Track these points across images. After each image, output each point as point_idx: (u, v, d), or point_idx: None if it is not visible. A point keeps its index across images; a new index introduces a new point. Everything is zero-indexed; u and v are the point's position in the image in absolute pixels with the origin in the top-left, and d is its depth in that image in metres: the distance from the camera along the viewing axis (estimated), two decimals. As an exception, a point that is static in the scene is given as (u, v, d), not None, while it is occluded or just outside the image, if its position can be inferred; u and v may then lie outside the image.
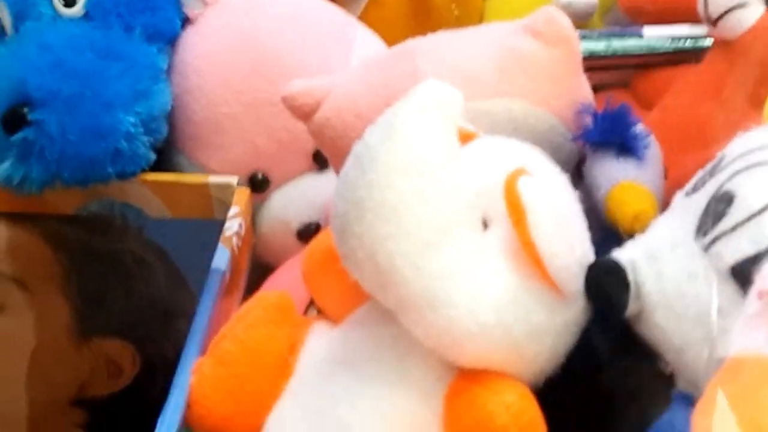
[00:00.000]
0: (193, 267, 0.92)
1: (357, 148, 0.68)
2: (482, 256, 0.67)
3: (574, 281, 0.68)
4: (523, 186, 0.66)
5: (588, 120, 0.85)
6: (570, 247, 0.67)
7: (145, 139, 0.97)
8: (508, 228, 0.67)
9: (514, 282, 0.67)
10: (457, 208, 0.66)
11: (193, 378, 0.75)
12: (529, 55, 0.85)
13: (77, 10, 1.00)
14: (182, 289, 0.97)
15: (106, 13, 1.00)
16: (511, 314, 0.66)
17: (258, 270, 0.99)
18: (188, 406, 0.75)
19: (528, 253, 0.66)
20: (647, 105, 1.07)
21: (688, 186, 0.74)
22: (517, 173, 0.67)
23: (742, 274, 0.64)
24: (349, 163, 0.68)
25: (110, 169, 0.95)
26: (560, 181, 0.73)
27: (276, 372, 0.75)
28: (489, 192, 0.68)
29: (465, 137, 0.72)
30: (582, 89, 0.88)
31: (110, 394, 0.95)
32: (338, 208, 0.68)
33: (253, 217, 1.00)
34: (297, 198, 1.01)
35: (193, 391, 0.75)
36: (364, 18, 1.17)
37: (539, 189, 0.67)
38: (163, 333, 0.91)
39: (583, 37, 1.07)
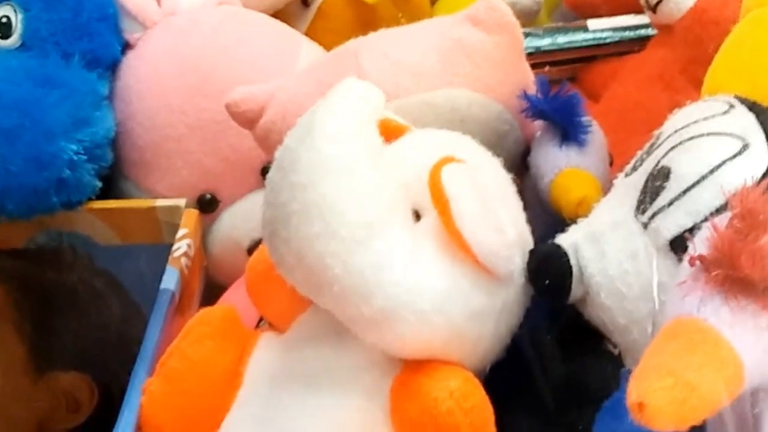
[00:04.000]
0: (146, 292, 0.90)
1: (278, 153, 0.67)
2: (415, 246, 0.66)
3: (506, 264, 0.67)
4: (446, 175, 0.65)
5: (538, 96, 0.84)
6: (498, 231, 0.66)
7: (89, 166, 0.95)
8: (438, 217, 0.66)
9: (449, 268, 0.66)
10: (383, 203, 0.65)
11: (143, 398, 0.74)
12: (472, 44, 0.85)
13: (13, 41, 1.00)
14: (136, 316, 0.96)
15: (43, 42, 0.99)
16: (449, 300, 0.65)
17: (214, 291, 0.98)
18: (139, 427, 0.74)
19: (456, 242, 0.65)
20: (594, 96, 1.07)
21: (628, 167, 0.73)
22: (441, 163, 0.66)
23: (680, 247, 0.63)
24: (273, 168, 0.67)
25: (55, 199, 0.93)
26: (490, 166, 0.73)
27: (224, 385, 0.74)
28: (418, 183, 0.67)
29: (396, 131, 0.72)
30: (526, 76, 0.88)
31: (71, 428, 0.93)
32: (265, 215, 0.67)
33: (205, 237, 0.99)
34: (246, 215, 0.99)
35: (143, 411, 0.74)
36: (311, 32, 1.17)
37: (462, 177, 0.66)
38: (120, 361, 0.89)
39: (529, 34, 1.08)
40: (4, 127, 0.91)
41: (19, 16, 1.00)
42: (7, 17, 1.00)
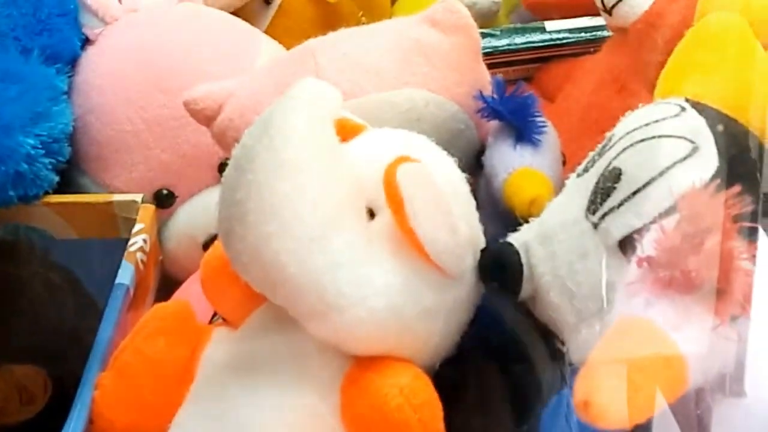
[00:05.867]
0: (101, 287, 0.90)
1: (235, 151, 0.67)
2: (368, 244, 0.66)
3: (459, 262, 0.68)
4: (401, 175, 0.65)
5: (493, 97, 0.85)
6: (452, 230, 0.67)
7: (46, 161, 0.95)
8: (392, 215, 0.67)
9: (402, 266, 0.67)
10: (339, 202, 0.66)
11: (96, 392, 0.75)
12: (430, 45, 0.86)
13: (-29, 36, 1.00)
14: (91, 310, 0.95)
15: (2, 37, 0.99)
16: (401, 297, 0.66)
17: (170, 286, 0.98)
18: (91, 420, 0.74)
19: (409, 240, 0.66)
20: (550, 96, 1.08)
21: (580, 168, 0.74)
22: (397, 162, 0.66)
23: (629, 248, 0.64)
24: (229, 166, 0.67)
25: (12, 193, 0.93)
26: (444, 165, 0.73)
27: (177, 380, 0.74)
28: (372, 182, 0.68)
29: (352, 130, 0.72)
30: (482, 76, 0.89)
31: (24, 420, 0.93)
32: (221, 213, 0.67)
33: (161, 233, 0.99)
34: (202, 211, 0.99)
35: (96, 405, 0.74)
36: (271, 30, 1.17)
37: (417, 176, 0.66)
38: (74, 355, 0.89)
39: (487, 35, 1.08)
40: (-39, 121, 0.92)
41: (-23, 12, 1.00)
42: (-35, 13, 1.00)
